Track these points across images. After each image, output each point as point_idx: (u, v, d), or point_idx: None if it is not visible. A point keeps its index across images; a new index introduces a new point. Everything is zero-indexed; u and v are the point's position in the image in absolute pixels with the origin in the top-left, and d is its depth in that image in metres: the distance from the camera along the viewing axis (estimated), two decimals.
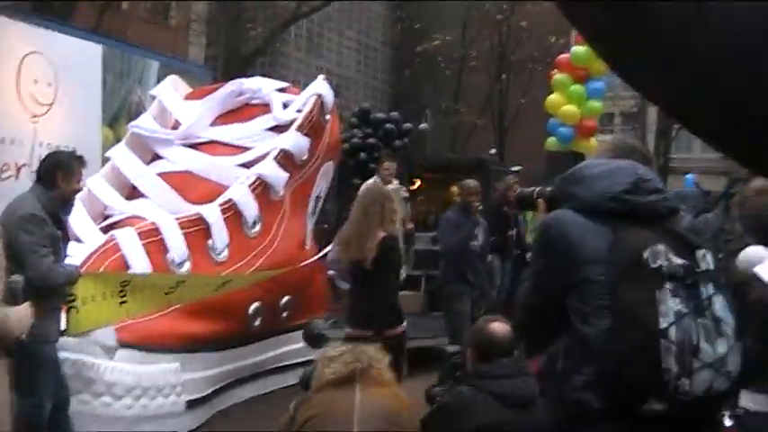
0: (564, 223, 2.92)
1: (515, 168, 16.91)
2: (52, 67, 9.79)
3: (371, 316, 6.61)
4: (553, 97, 16.26)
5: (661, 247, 2.72)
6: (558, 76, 16.31)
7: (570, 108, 15.70)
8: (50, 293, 5.33)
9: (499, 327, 4.21)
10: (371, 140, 16.14)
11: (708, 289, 2.72)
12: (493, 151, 38.24)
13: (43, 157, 6.15)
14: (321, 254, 9.03)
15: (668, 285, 2.66)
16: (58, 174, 5.65)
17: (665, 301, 2.64)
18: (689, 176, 13.84)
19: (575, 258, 2.84)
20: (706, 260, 2.77)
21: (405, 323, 6.96)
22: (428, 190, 15.86)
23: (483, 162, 16.47)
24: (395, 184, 11.23)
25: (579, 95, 15.85)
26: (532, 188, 3.62)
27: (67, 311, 5.51)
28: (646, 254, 2.70)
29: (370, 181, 11.36)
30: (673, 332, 2.61)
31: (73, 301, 5.46)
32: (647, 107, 35.79)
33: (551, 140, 16.16)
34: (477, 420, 3.88)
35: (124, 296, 5.76)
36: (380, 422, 3.16)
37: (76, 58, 10.39)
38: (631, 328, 2.65)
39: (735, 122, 0.95)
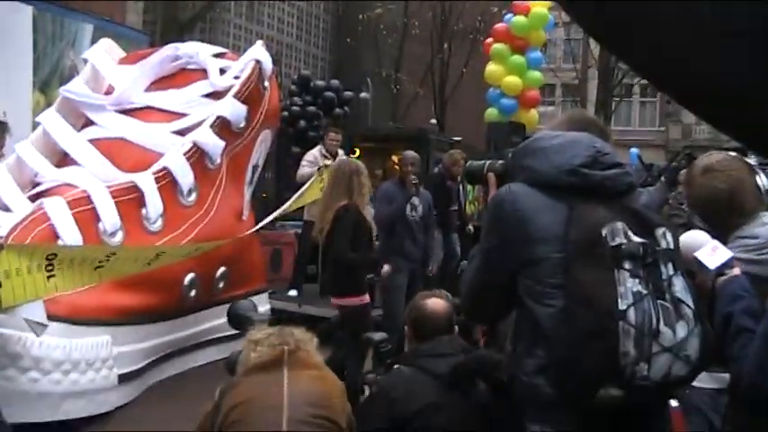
0: (517, 198, 2.77)
1: (456, 139, 16.87)
2: None
3: (330, 284, 7.15)
4: (493, 68, 16.14)
5: (620, 225, 2.59)
6: (496, 45, 16.15)
7: (512, 79, 15.61)
8: None
9: (437, 302, 4.06)
10: (311, 108, 15.91)
11: (668, 269, 2.60)
12: (433, 121, 38.23)
13: None
14: (261, 225, 8.90)
15: (627, 265, 2.53)
16: None
17: (624, 281, 2.51)
18: (634, 150, 13.88)
19: (528, 235, 2.70)
20: (666, 239, 2.65)
21: (365, 294, 7.03)
22: (368, 159, 15.73)
23: (423, 132, 16.40)
24: (341, 154, 11.08)
25: (520, 66, 15.76)
26: (482, 161, 3.43)
27: None
28: (604, 231, 2.57)
29: (315, 151, 11.23)
30: (632, 314, 2.48)
31: None
32: (587, 79, 36.03)
33: (491, 111, 16.08)
34: (417, 402, 3.72)
35: (51, 270, 5.50)
36: (310, 406, 3.03)
37: (5, 20, 10.03)
38: (587, 309, 2.52)
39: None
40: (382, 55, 42.41)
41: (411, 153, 9.66)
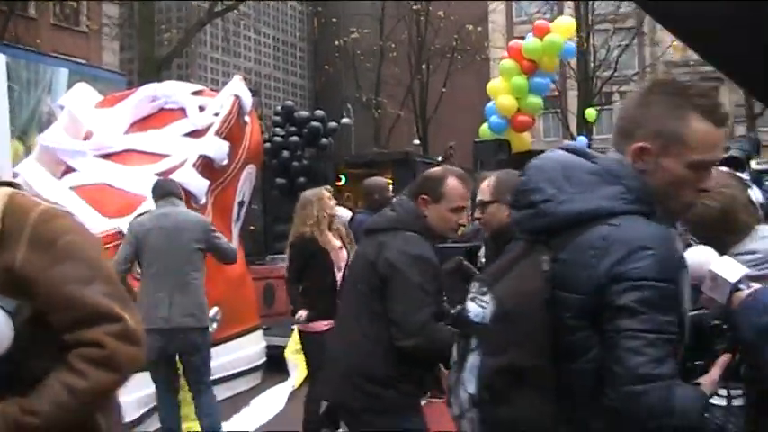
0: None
1: (440, 158, 16.79)
2: None
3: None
4: (496, 82, 15.89)
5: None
6: (505, 61, 15.82)
7: (507, 99, 15.25)
8: None
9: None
10: (294, 139, 15.78)
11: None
12: (416, 142, 38.21)
13: None
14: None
15: None
16: None
17: None
18: None
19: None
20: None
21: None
22: (353, 186, 15.64)
23: (408, 155, 16.32)
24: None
25: (520, 87, 15.28)
26: None
27: None
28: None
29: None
30: None
31: None
32: (566, 90, 36.10)
33: (485, 127, 15.74)
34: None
35: None
36: None
37: None
38: None
39: None
40: (361, 79, 42.40)
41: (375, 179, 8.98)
